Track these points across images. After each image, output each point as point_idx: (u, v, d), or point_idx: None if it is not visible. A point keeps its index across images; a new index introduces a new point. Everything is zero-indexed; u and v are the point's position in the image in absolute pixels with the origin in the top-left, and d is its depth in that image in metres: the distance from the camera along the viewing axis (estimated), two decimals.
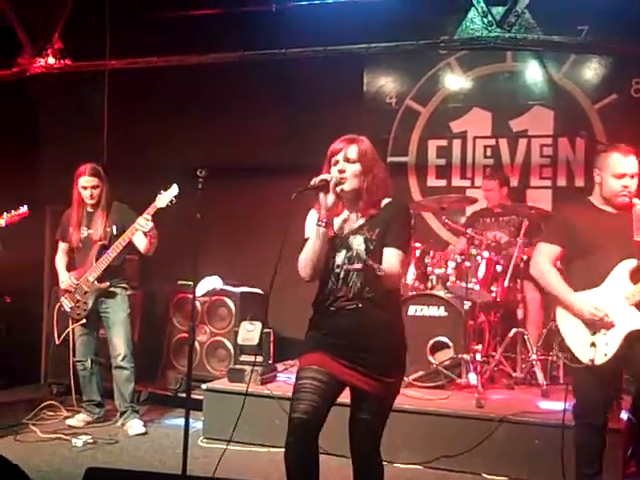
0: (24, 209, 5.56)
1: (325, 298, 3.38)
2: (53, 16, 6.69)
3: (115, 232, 5.83)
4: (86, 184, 5.82)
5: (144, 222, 5.57)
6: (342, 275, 3.33)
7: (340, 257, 3.35)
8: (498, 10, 5.68)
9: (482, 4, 5.63)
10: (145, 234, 5.62)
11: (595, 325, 3.90)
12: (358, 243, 3.33)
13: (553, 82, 6.89)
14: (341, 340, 3.30)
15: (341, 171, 3.33)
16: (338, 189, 3.30)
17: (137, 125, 7.46)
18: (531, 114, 6.91)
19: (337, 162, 3.36)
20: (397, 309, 3.50)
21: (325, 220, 3.31)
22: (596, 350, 3.88)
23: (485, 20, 5.70)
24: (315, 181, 3.30)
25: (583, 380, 4.02)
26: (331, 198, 3.30)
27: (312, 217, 3.43)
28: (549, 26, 5.68)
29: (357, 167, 3.34)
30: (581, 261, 4.03)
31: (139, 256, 6.16)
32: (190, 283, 4.68)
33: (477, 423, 5.01)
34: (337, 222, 3.42)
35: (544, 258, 4.13)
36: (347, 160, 3.35)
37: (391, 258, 3.29)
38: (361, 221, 3.37)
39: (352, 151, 3.36)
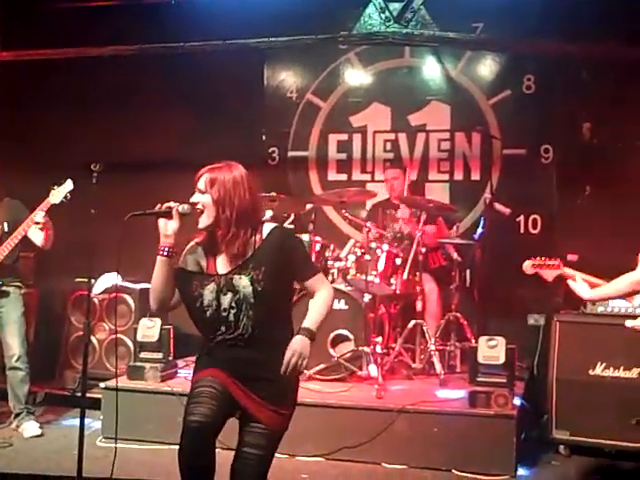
0: None
1: (213, 336, 3.23)
2: None
3: (6, 229, 5.65)
4: None
5: (39, 217, 5.42)
6: (231, 318, 3.18)
7: (226, 300, 3.18)
8: (395, 6, 5.79)
9: (380, 0, 5.70)
10: (41, 227, 5.47)
11: None
12: (245, 285, 3.17)
13: (450, 78, 7.03)
14: (235, 367, 3.19)
15: (193, 203, 3.22)
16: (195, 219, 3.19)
17: (30, 119, 7.24)
18: (429, 109, 7.04)
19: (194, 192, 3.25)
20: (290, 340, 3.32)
21: (167, 249, 3.21)
22: None
23: (383, 16, 5.79)
24: (160, 207, 3.21)
25: None
26: (172, 225, 3.18)
27: (193, 248, 3.32)
28: (445, 23, 5.82)
29: (208, 198, 3.19)
30: None
31: (35, 253, 5.99)
32: (88, 280, 4.59)
33: (377, 414, 5.08)
34: (217, 259, 3.27)
35: None
36: (199, 190, 3.23)
37: (319, 285, 3.31)
38: (240, 260, 3.22)
39: (202, 182, 3.22)
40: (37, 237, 5.58)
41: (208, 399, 3.13)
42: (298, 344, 3.17)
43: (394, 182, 6.51)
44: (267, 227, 3.29)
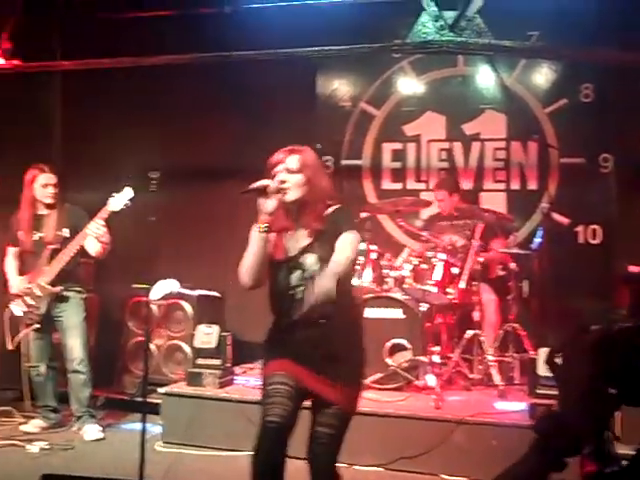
0: None
1: (283, 317, 3.38)
2: (2, 16, 6.57)
3: (68, 235, 5.75)
4: (48, 181, 5.76)
5: (96, 227, 5.52)
6: (298, 296, 3.32)
7: (295, 278, 3.34)
8: (450, 14, 5.74)
9: (434, 8, 5.69)
10: (98, 239, 5.57)
11: None
12: (311, 263, 3.31)
13: (504, 86, 6.98)
14: (303, 351, 3.32)
15: (282, 182, 3.32)
16: (279, 197, 3.28)
17: (90, 127, 7.35)
18: (483, 118, 7.00)
19: (277, 173, 3.34)
20: (356, 321, 3.52)
21: (265, 226, 3.30)
22: None
23: (437, 24, 5.75)
24: (256, 184, 3.30)
25: None
26: (271, 203, 3.28)
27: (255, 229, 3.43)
28: (500, 31, 5.77)
29: (299, 177, 3.34)
30: None
31: (94, 259, 6.10)
32: (146, 286, 4.64)
33: (435, 425, 5.06)
34: (286, 242, 3.40)
35: None
36: (288, 170, 3.34)
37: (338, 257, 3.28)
38: (308, 239, 3.36)
39: (292, 161, 3.36)
40: (92, 248, 5.67)
41: (284, 399, 3.26)
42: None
43: (441, 204, 6.51)
44: (331, 208, 3.41)
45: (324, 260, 3.28)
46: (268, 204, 3.28)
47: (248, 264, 3.35)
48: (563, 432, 1.77)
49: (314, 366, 3.31)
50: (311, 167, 3.37)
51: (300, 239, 3.39)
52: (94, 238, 5.57)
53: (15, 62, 6.62)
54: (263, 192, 3.28)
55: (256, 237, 3.31)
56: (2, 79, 6.84)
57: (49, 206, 5.82)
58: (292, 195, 3.33)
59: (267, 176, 3.35)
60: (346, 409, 3.38)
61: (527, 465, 1.76)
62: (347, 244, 3.29)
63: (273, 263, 3.39)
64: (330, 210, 3.39)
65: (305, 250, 3.35)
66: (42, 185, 5.77)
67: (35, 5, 6.62)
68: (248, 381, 5.97)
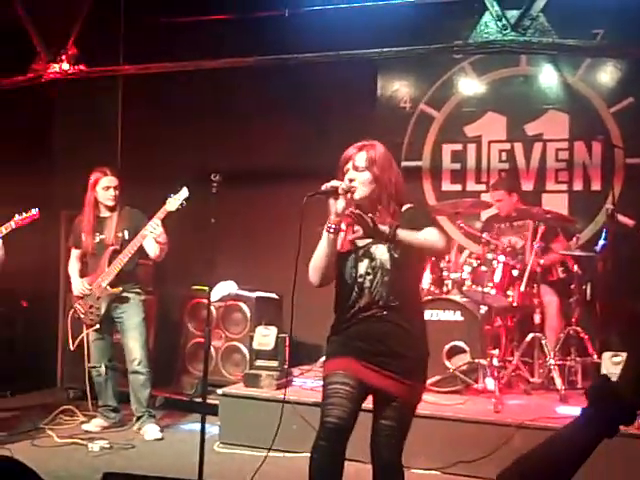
0: (34, 211, 5.53)
1: (348, 307, 3.36)
2: (68, 22, 6.72)
3: (127, 237, 5.83)
4: (110, 184, 5.85)
5: (153, 227, 5.59)
6: (366, 284, 3.32)
7: (363, 267, 3.33)
8: (512, 13, 5.66)
9: (496, 7, 5.61)
10: (155, 239, 5.63)
11: None
12: (381, 252, 3.31)
13: (568, 86, 6.86)
14: (366, 345, 3.30)
15: (351, 180, 3.32)
16: (349, 196, 3.27)
17: (151, 130, 7.46)
18: (546, 118, 6.87)
19: (348, 170, 3.35)
20: (421, 317, 3.50)
21: (334, 227, 3.30)
22: None
23: (499, 24, 5.68)
24: (326, 186, 3.30)
25: None
26: (341, 204, 3.27)
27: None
28: (564, 29, 5.66)
29: (366, 175, 3.32)
30: None
31: (153, 261, 6.18)
32: (205, 288, 4.66)
33: (494, 428, 4.98)
34: (358, 232, 3.39)
35: None
36: (356, 168, 3.34)
37: (431, 233, 3.24)
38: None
39: (360, 159, 3.35)
40: (151, 248, 5.74)
41: (343, 399, 3.25)
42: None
43: (499, 204, 6.40)
44: (405, 206, 3.41)
45: (395, 251, 3.27)
46: (338, 205, 3.27)
47: (317, 264, 3.36)
48: (619, 400, 1.70)
49: (377, 360, 3.28)
50: (379, 164, 3.34)
51: None
52: (152, 238, 5.64)
53: (80, 67, 6.76)
54: (333, 193, 3.28)
55: (326, 238, 3.32)
56: (68, 84, 7.00)
57: (110, 208, 5.91)
58: (360, 193, 3.31)
59: (338, 173, 3.36)
60: (409, 402, 3.37)
61: (577, 434, 1.70)
62: (434, 233, 3.26)
63: (341, 254, 3.39)
64: (405, 208, 3.37)
65: (377, 241, 3.31)
66: (104, 188, 5.87)
67: (99, 12, 6.74)
68: (305, 383, 5.96)
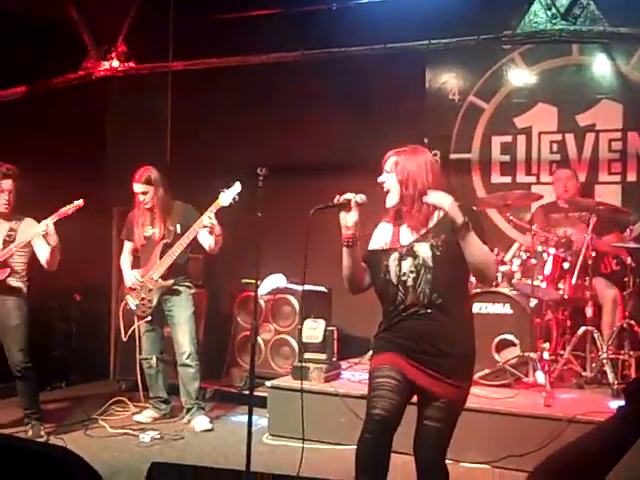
0: (79, 202, 5.54)
1: (393, 305, 3.36)
2: (117, 20, 6.82)
3: (179, 231, 5.89)
4: (138, 190, 5.89)
5: (208, 219, 5.63)
6: (409, 283, 3.31)
7: (406, 265, 3.33)
8: (562, 2, 5.57)
9: None
10: (210, 232, 5.67)
11: None
12: (424, 250, 3.30)
13: (621, 75, 6.71)
14: (413, 343, 3.30)
15: (381, 182, 3.40)
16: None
17: (200, 125, 7.53)
18: (599, 108, 6.73)
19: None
20: (467, 314, 3.47)
21: (349, 240, 3.33)
22: None
23: (549, 13, 5.59)
24: (338, 199, 3.34)
25: None
26: (352, 217, 3.32)
27: (380, 229, 3.48)
28: (616, 17, 5.55)
29: (394, 178, 3.36)
30: None
31: (203, 255, 6.22)
32: (254, 281, 4.69)
33: (545, 423, 4.91)
34: (401, 233, 3.42)
35: None
36: (386, 171, 3.40)
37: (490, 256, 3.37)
38: (423, 230, 3.35)
39: (390, 163, 3.40)
40: (206, 241, 5.78)
41: (389, 392, 3.25)
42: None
43: (568, 182, 6.28)
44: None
45: (437, 249, 3.27)
46: (349, 218, 3.32)
47: (345, 275, 3.44)
48: None
49: (421, 357, 3.28)
50: (407, 168, 3.35)
51: (413, 231, 3.39)
52: (207, 231, 5.68)
53: (129, 64, 6.85)
54: (345, 206, 3.33)
55: (344, 252, 3.37)
56: (117, 81, 7.11)
57: (149, 208, 5.94)
58: (391, 198, 3.38)
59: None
60: (454, 402, 3.34)
61: (613, 432, 1.66)
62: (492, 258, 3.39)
63: (384, 251, 3.40)
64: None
65: (419, 239, 3.34)
66: (135, 192, 5.90)
67: (147, 9, 6.82)
68: (354, 375, 5.96)
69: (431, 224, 3.35)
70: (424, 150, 3.49)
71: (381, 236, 3.49)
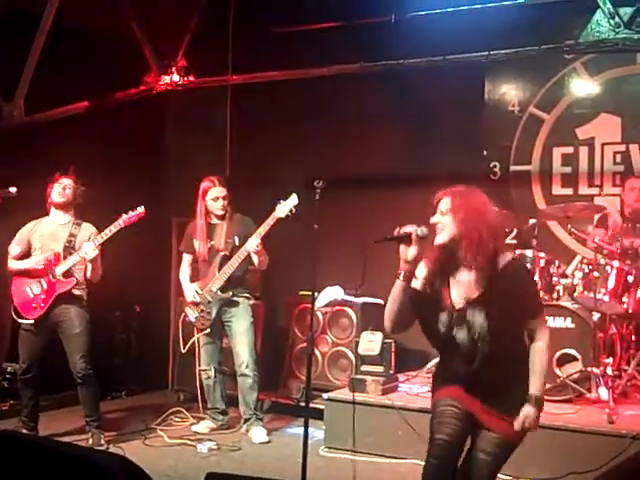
0: (141, 209, 5.62)
1: (452, 366, 3.37)
2: (178, 35, 6.93)
3: (237, 243, 5.93)
4: (218, 194, 5.94)
5: (254, 243, 5.67)
6: (465, 351, 3.27)
7: (461, 335, 3.27)
8: (625, 11, 5.48)
9: (609, 5, 5.44)
10: (255, 252, 5.72)
11: None
12: (480, 322, 3.22)
13: None
14: (472, 383, 3.31)
15: (434, 224, 3.28)
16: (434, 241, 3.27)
17: (257, 138, 7.58)
18: None
19: (435, 212, 3.31)
20: (525, 356, 3.36)
21: (405, 273, 3.24)
22: None
23: (612, 22, 5.50)
24: (398, 231, 3.25)
25: None
26: (412, 251, 3.22)
27: (421, 267, 3.36)
28: None
29: (449, 219, 3.25)
30: None
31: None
32: (311, 293, 4.68)
33: (608, 439, 4.79)
34: (452, 286, 3.31)
35: None
36: (441, 212, 3.29)
37: (541, 329, 3.33)
38: (477, 290, 3.26)
39: (444, 204, 3.28)
40: (255, 258, 5.83)
41: (452, 419, 3.27)
42: (530, 416, 3.26)
43: (630, 194, 6.12)
44: (503, 258, 3.29)
45: (493, 318, 3.20)
46: (409, 252, 3.23)
47: (389, 308, 3.33)
48: None
49: (481, 396, 3.30)
50: (465, 208, 3.25)
51: (467, 287, 3.28)
52: (253, 251, 5.73)
53: (189, 78, 6.95)
54: (405, 239, 3.23)
55: (396, 285, 3.28)
56: (178, 95, 7.21)
57: (220, 217, 6.01)
58: (441, 238, 3.27)
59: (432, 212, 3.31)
60: (510, 442, 3.34)
61: None
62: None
63: (436, 304, 3.31)
64: (505, 261, 3.28)
65: (474, 305, 3.25)
66: (213, 199, 5.96)
67: (207, 24, 6.91)
68: (411, 389, 5.91)
69: (485, 284, 3.24)
70: (480, 192, 3.36)
71: (424, 277, 3.35)
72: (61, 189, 5.62)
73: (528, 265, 5.62)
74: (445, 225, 3.25)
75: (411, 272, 3.26)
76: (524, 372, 3.34)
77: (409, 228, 3.23)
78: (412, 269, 3.26)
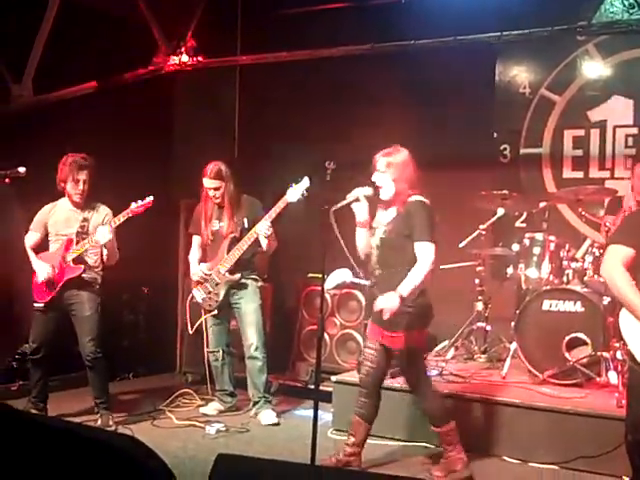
0: (149, 199, 5.58)
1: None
2: (187, 15, 6.88)
3: (246, 225, 5.90)
4: (209, 186, 5.89)
5: (264, 227, 5.63)
6: (374, 259, 4.58)
7: (375, 243, 4.55)
8: None
9: None
10: (265, 236, 5.69)
11: None
12: (379, 234, 4.52)
13: None
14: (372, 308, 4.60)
15: (374, 182, 4.46)
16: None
17: (267, 119, 7.54)
18: None
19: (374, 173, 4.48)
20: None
21: (360, 225, 4.55)
22: None
23: (626, 3, 5.44)
24: (348, 198, 4.39)
25: None
26: (363, 211, 4.49)
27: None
28: None
29: (386, 177, 4.43)
30: None
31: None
32: (320, 276, 4.67)
33: (618, 424, 4.71)
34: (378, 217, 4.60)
35: (616, 261, 3.60)
36: (380, 171, 4.44)
37: (420, 253, 4.32)
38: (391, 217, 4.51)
39: (381, 164, 4.45)
40: (263, 242, 5.80)
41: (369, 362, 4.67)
42: (383, 298, 4.27)
43: None
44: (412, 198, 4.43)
45: (386, 233, 4.47)
46: (361, 212, 4.47)
47: (360, 248, 4.63)
48: None
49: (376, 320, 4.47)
50: (398, 167, 4.43)
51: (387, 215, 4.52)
52: (262, 235, 5.70)
53: (198, 59, 6.90)
54: (356, 201, 4.40)
55: (359, 231, 4.56)
56: (187, 75, 7.17)
57: (219, 203, 5.96)
58: (386, 194, 4.45)
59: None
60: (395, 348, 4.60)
61: None
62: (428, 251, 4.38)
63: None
64: (411, 200, 4.38)
65: (382, 224, 4.50)
66: (206, 188, 5.91)
67: (216, 4, 6.86)
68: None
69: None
70: (404, 150, 4.57)
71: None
72: (78, 189, 5.54)
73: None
74: (384, 182, 4.42)
75: (367, 223, 4.49)
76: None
77: (355, 192, 4.38)
78: (365, 223, 4.48)
